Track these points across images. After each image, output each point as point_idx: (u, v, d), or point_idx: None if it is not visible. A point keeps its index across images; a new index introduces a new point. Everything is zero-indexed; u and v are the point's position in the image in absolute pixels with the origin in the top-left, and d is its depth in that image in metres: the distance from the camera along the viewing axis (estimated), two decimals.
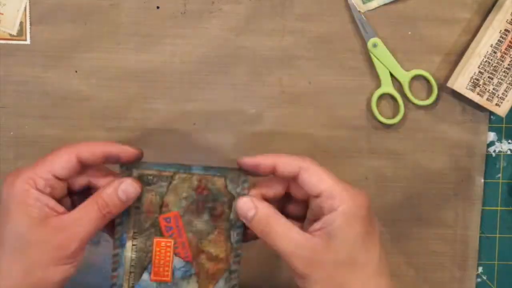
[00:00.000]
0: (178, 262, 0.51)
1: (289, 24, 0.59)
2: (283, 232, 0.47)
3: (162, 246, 0.51)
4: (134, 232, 0.50)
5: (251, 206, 0.48)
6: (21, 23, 0.58)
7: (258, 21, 0.59)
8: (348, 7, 0.58)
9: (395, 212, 0.60)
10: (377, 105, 0.59)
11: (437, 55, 0.59)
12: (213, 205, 0.51)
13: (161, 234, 0.51)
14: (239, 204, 0.49)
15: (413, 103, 0.59)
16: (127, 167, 0.50)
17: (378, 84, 0.59)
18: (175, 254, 0.51)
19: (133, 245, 0.50)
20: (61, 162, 0.48)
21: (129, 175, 0.50)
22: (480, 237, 0.61)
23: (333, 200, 0.47)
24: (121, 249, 0.50)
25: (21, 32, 0.59)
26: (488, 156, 0.61)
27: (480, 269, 0.62)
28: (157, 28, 0.59)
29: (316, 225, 0.47)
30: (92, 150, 0.48)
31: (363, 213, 0.47)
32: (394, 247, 0.60)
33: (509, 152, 0.61)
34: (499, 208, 0.61)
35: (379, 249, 0.48)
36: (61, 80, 0.59)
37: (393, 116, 0.59)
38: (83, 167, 0.49)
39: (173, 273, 0.51)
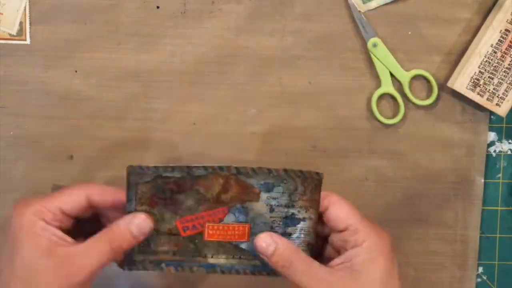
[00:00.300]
0: (229, 218, 0.51)
1: (289, 24, 0.59)
2: (304, 267, 0.48)
3: (211, 233, 0.51)
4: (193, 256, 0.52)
5: (271, 241, 0.49)
6: (21, 23, 0.58)
7: (258, 21, 0.59)
8: (348, 7, 0.58)
9: (395, 212, 0.60)
10: (377, 105, 0.59)
11: (437, 55, 0.59)
12: (172, 187, 0.50)
13: (201, 234, 0.51)
14: (258, 240, 0.49)
15: (413, 103, 0.59)
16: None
17: (378, 84, 0.59)
18: (219, 222, 0.51)
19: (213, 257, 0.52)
20: (71, 200, 0.49)
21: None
22: (480, 237, 0.61)
23: (358, 235, 0.48)
24: (212, 266, 0.52)
25: (21, 32, 0.59)
26: (488, 156, 0.61)
27: (480, 269, 0.62)
28: (157, 28, 0.59)
29: (338, 260, 0.48)
30: (104, 196, 0.49)
31: (387, 250, 0.48)
32: (394, 247, 0.60)
33: (509, 152, 0.61)
34: (499, 208, 0.61)
35: (399, 287, 0.49)
36: (61, 80, 0.59)
37: (393, 116, 0.59)
38: (92, 207, 0.50)
39: (239, 221, 0.51)
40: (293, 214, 0.51)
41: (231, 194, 0.51)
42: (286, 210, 0.51)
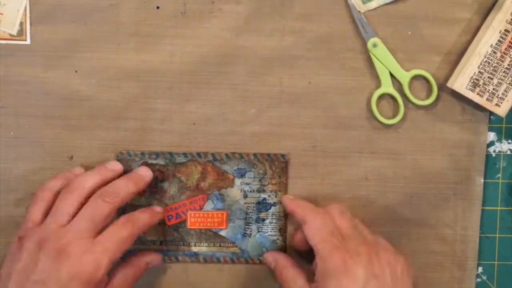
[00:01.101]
0: (208, 206, 0.58)
1: (289, 24, 0.59)
2: (291, 281, 0.55)
3: (193, 221, 0.58)
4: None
5: (271, 260, 0.58)
6: (21, 23, 0.58)
7: (258, 21, 0.59)
8: (348, 7, 0.58)
9: (395, 212, 0.60)
10: (377, 105, 0.59)
11: (437, 55, 0.59)
12: (157, 175, 0.58)
13: (184, 222, 0.59)
14: (265, 257, 0.59)
15: (413, 103, 0.59)
16: None
17: (378, 84, 0.59)
18: (199, 209, 0.58)
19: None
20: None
21: None
22: (480, 237, 0.61)
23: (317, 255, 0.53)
24: (195, 254, 0.59)
25: (21, 32, 0.59)
26: (488, 156, 0.61)
27: (480, 269, 0.62)
28: (157, 28, 0.59)
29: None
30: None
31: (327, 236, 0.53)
32: (394, 247, 0.60)
33: (509, 152, 0.61)
34: (499, 208, 0.61)
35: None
36: (61, 80, 0.59)
37: (393, 116, 0.59)
38: None
39: (217, 209, 0.58)
40: (264, 199, 0.57)
41: (209, 182, 0.57)
42: (258, 195, 0.57)
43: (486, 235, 0.61)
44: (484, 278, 0.62)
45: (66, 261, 0.49)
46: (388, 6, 0.59)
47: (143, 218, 0.55)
